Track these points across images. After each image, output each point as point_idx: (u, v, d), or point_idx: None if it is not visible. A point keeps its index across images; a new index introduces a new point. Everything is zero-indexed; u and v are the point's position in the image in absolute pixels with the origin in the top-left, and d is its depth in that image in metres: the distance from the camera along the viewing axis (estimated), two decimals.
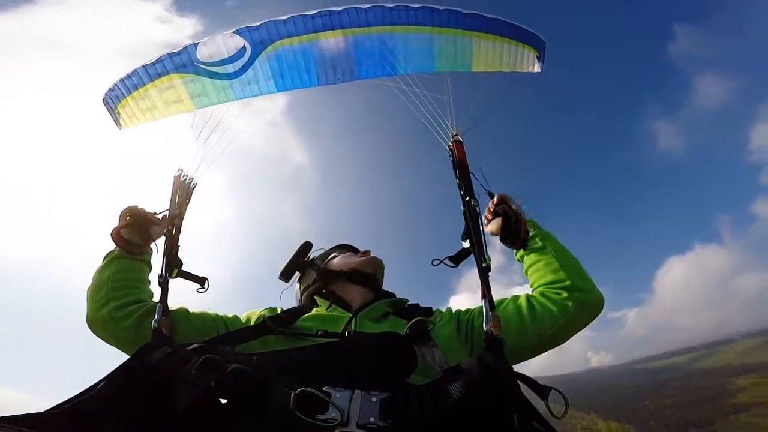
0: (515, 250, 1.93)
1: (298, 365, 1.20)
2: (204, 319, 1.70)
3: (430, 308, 1.78)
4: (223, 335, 1.56)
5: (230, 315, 1.77)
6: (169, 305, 1.64)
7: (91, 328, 1.63)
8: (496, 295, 1.61)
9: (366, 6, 2.22)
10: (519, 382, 1.17)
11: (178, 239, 1.86)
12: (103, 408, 1.05)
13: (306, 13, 2.22)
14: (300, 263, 2.12)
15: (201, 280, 1.85)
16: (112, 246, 1.76)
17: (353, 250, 2.20)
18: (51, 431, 0.97)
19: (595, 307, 1.67)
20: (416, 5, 2.25)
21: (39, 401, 78.54)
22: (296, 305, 1.96)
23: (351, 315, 1.64)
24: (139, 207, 1.85)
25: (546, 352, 1.68)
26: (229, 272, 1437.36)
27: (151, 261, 1.84)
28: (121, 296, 1.62)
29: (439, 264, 1.73)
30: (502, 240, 1.92)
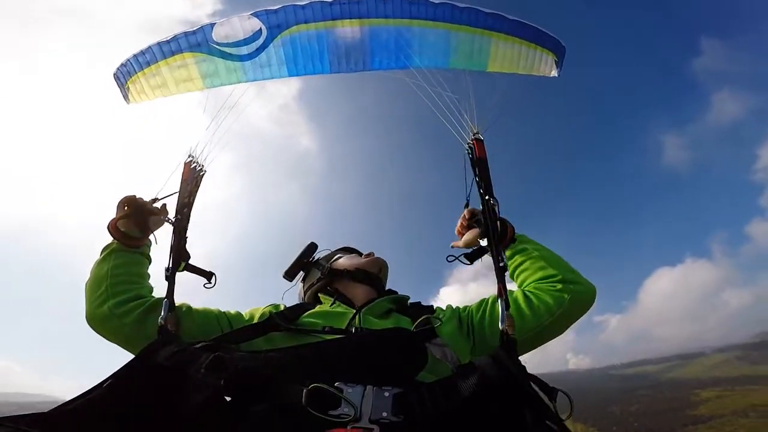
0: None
1: (309, 361, 1.19)
2: (207, 316, 1.65)
3: (432, 306, 1.78)
4: (230, 333, 1.51)
5: (233, 312, 1.73)
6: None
7: (90, 325, 1.57)
8: (489, 292, 1.66)
9: None
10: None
11: (187, 230, 1.78)
12: (110, 407, 1.03)
13: (325, 0, 2.21)
14: (304, 263, 2.13)
15: (208, 275, 1.78)
16: (109, 239, 1.70)
17: (358, 252, 2.20)
18: (56, 431, 0.95)
19: (589, 297, 1.69)
20: (437, 0, 2.23)
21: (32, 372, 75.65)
22: (298, 303, 1.95)
23: (354, 311, 1.63)
24: (138, 197, 1.80)
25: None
26: (230, 249, 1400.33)
27: (150, 253, 1.79)
28: (121, 292, 1.57)
29: (454, 260, 1.79)
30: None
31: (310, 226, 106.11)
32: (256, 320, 1.63)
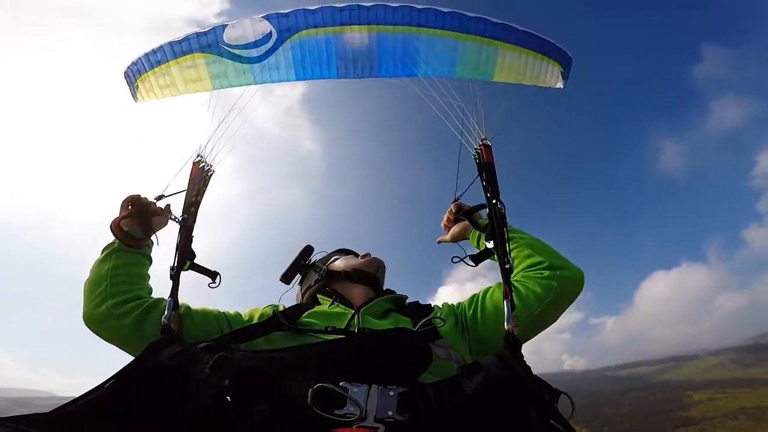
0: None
1: (313, 361, 1.20)
2: (206, 316, 1.64)
3: (430, 305, 1.79)
4: (232, 333, 1.50)
5: (232, 312, 1.72)
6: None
7: (88, 325, 1.56)
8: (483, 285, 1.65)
9: (396, 5, 2.22)
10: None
11: (194, 229, 1.77)
12: (112, 407, 1.03)
13: (335, 5, 2.23)
14: (301, 266, 2.13)
15: (213, 275, 1.78)
16: (111, 238, 1.68)
17: (354, 254, 2.20)
18: (58, 431, 0.95)
19: (578, 282, 1.69)
20: (446, 9, 2.25)
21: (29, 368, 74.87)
22: (297, 303, 1.95)
23: (353, 311, 1.64)
24: (142, 196, 1.78)
25: (526, 343, 1.65)
26: (232, 250, 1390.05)
27: (151, 254, 1.77)
28: (120, 292, 1.55)
29: (459, 262, 1.77)
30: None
31: (311, 227, 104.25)
32: (255, 321, 1.63)
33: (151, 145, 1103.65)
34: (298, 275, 2.15)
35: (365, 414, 0.98)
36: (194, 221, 1.79)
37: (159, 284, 1.70)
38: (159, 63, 2.44)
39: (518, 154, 59.84)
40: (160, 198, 1.83)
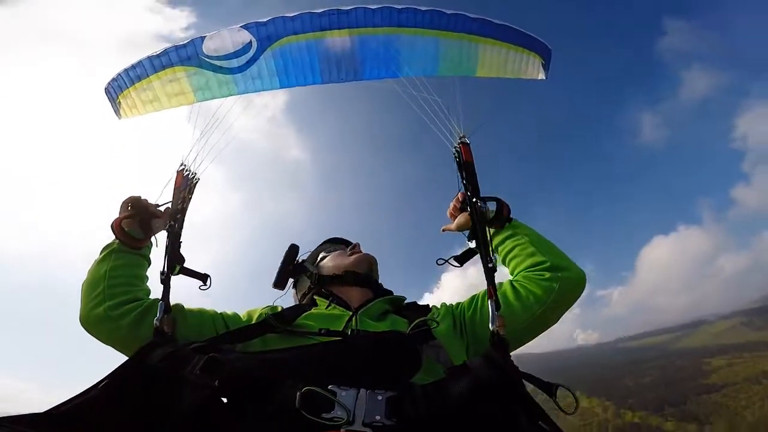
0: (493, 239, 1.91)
1: (303, 364, 1.21)
2: (201, 316, 1.65)
3: (428, 305, 1.79)
4: (225, 334, 1.52)
5: (230, 312, 1.73)
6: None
7: (84, 326, 1.57)
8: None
9: (374, 6, 2.22)
10: (525, 380, 1.19)
11: (181, 235, 1.80)
12: (105, 408, 1.05)
13: (314, 11, 2.22)
14: (290, 270, 2.09)
15: (203, 277, 1.80)
16: (110, 238, 1.70)
17: (341, 243, 2.16)
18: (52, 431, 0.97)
19: (578, 283, 1.68)
20: (424, 8, 2.25)
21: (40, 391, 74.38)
22: (297, 304, 1.94)
23: (351, 313, 1.64)
24: (142, 198, 1.80)
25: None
26: (233, 264, 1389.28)
27: (151, 255, 1.79)
28: (117, 294, 1.56)
29: (444, 263, 1.76)
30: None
31: (308, 231, 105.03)
32: (254, 321, 1.64)
33: (133, 161, 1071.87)
34: (291, 279, 2.12)
35: (353, 418, 1.00)
36: (181, 227, 1.81)
37: (157, 289, 1.69)
38: (140, 78, 2.41)
39: (500, 139, 57.52)
40: (157, 206, 1.86)
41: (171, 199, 1.89)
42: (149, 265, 1.77)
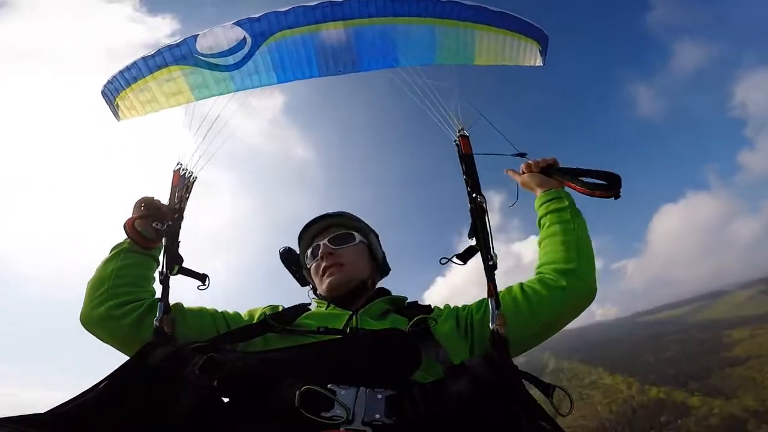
0: (544, 204, 1.91)
1: (302, 363, 1.22)
2: (201, 316, 1.66)
3: (429, 305, 1.78)
4: (225, 334, 1.53)
5: (231, 312, 1.75)
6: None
7: (85, 325, 1.57)
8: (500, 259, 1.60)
9: None
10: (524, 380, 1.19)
11: (179, 235, 1.80)
12: (106, 408, 1.05)
13: (307, 5, 2.18)
14: (297, 271, 2.11)
15: (202, 277, 1.79)
16: (122, 237, 1.71)
17: (313, 246, 2.00)
18: None
19: (586, 298, 1.69)
20: None
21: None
22: (298, 303, 1.94)
23: (351, 312, 1.65)
24: (155, 198, 1.81)
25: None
26: (252, 264, 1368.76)
27: (159, 256, 1.76)
28: (120, 294, 1.57)
29: (447, 262, 1.72)
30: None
31: None
32: (255, 320, 1.65)
33: (128, 166, 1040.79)
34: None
35: (353, 417, 1.00)
36: (179, 226, 1.82)
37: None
38: (135, 79, 2.40)
39: (498, 126, 57.62)
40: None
41: (168, 199, 1.90)
42: (158, 266, 1.77)
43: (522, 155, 2.13)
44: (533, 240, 2.01)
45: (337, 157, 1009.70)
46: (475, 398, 1.06)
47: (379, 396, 1.05)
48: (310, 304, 1.84)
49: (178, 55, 2.31)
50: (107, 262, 1.67)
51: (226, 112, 2.35)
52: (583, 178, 1.84)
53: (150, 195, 1.82)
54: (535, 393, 1.19)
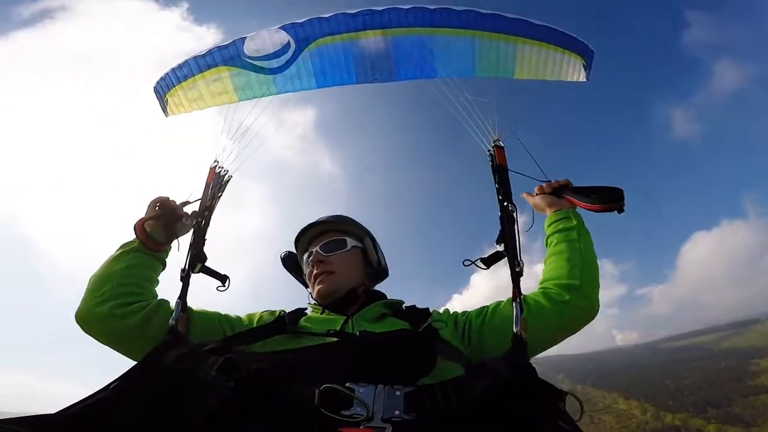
0: (552, 223, 1.86)
1: (318, 363, 1.21)
2: (208, 318, 1.63)
3: (428, 309, 1.75)
4: (237, 335, 1.50)
5: (233, 315, 1.71)
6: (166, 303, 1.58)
7: (81, 322, 1.49)
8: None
9: (407, 7, 2.21)
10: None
11: (206, 233, 1.78)
12: (117, 410, 1.05)
13: (348, 12, 2.25)
14: (302, 277, 2.05)
15: (223, 278, 1.76)
16: (131, 237, 1.66)
17: (307, 249, 1.97)
18: None
19: (587, 314, 1.65)
20: (459, 8, 2.21)
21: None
22: (297, 308, 1.88)
23: (345, 317, 1.62)
24: (170, 199, 1.78)
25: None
26: (274, 271, 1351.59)
27: (167, 259, 1.74)
28: (123, 294, 1.50)
29: (470, 265, 1.73)
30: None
31: None
32: (255, 324, 1.62)
33: (169, 163, 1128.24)
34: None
35: (372, 414, 0.99)
36: (208, 225, 1.82)
37: (164, 289, 1.71)
38: (186, 77, 2.55)
39: (532, 141, 55.69)
40: (185, 204, 1.86)
41: (201, 196, 1.90)
42: (164, 269, 1.73)
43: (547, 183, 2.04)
44: None
45: (362, 173, 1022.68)
46: (495, 396, 1.05)
47: (398, 393, 1.05)
48: (306, 309, 1.81)
49: (227, 56, 2.44)
50: (114, 259, 1.61)
51: (262, 118, 2.44)
52: (590, 195, 1.82)
53: (165, 195, 1.77)
54: None
